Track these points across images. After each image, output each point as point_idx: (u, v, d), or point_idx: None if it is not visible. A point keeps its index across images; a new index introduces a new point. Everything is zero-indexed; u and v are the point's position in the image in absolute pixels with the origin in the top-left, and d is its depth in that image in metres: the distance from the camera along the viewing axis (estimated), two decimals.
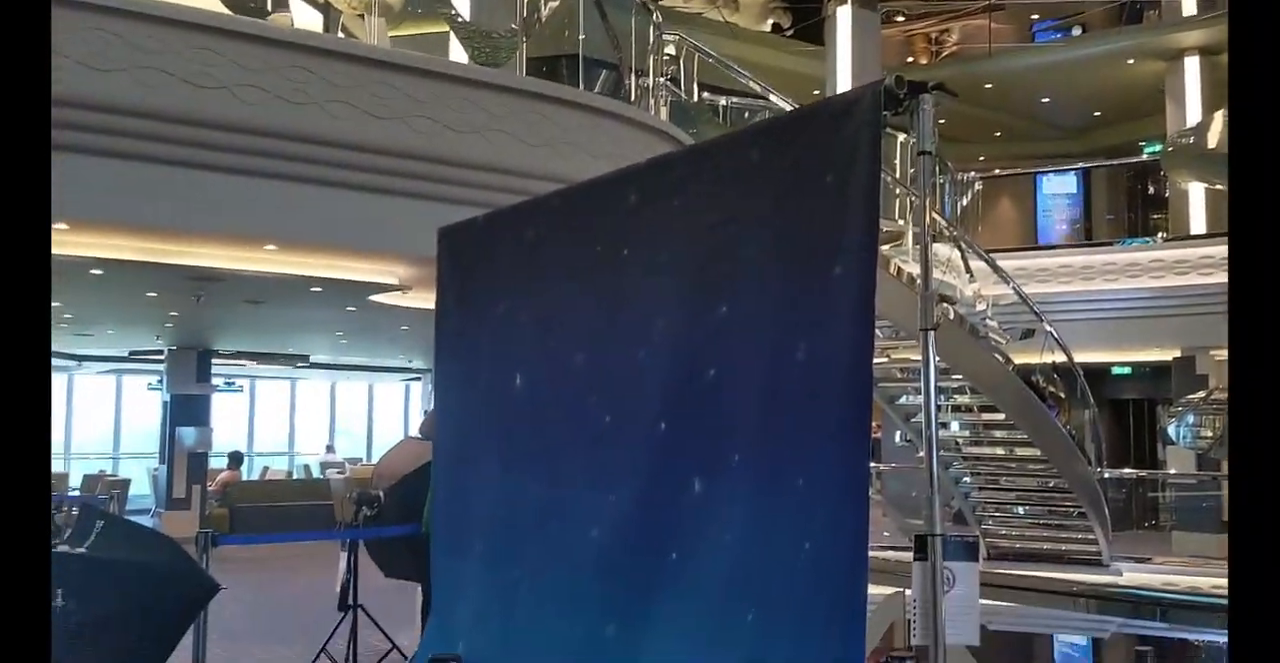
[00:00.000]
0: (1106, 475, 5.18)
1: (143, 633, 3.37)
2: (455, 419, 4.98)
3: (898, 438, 12.45)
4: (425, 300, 5.23)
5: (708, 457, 3.32)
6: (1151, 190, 18.65)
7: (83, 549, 3.54)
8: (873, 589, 3.81)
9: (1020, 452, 8.42)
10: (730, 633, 3.04)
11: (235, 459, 16.27)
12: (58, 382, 19.95)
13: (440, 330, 5.12)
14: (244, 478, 16.54)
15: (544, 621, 3.79)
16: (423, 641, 4.19)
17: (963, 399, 7.64)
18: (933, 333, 3.01)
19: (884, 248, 8.35)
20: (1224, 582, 3.33)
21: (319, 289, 8.71)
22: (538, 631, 3.81)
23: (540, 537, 4.05)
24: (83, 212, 6.38)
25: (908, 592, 3.51)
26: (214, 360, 16.55)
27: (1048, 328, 9.01)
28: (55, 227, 6.82)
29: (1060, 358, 8.71)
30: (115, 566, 3.43)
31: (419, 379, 21.89)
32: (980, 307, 10.02)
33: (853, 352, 2.87)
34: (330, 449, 21.79)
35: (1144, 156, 16.99)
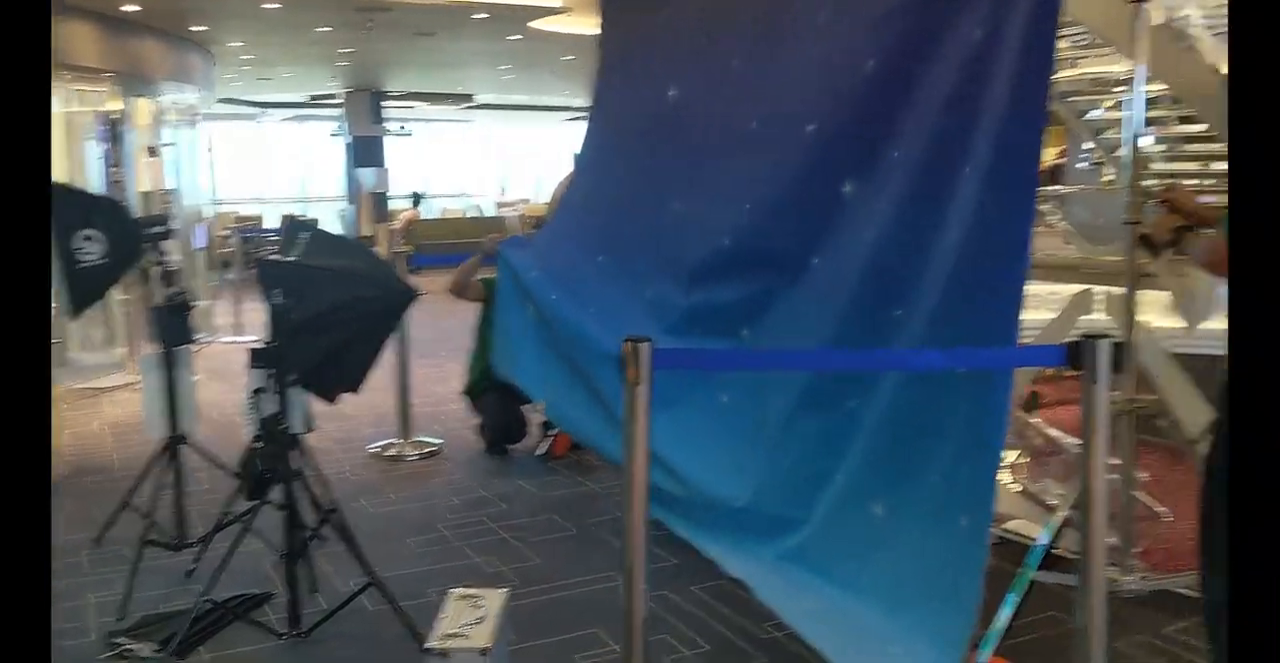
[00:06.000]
0: None
1: (353, 332, 3.64)
2: (601, 137, 4.93)
3: (1082, 161, 11.87)
4: (586, 26, 5.08)
5: (860, 157, 3.17)
6: None
7: (292, 257, 3.78)
8: (1056, 287, 3.75)
9: (1215, 167, 7.86)
10: (877, 332, 2.99)
11: (416, 199, 16.89)
12: (245, 129, 20.81)
13: (601, 48, 5.00)
14: (423, 218, 17.21)
15: (688, 331, 3.83)
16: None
17: (1157, 111, 7.11)
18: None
19: None
20: None
21: (483, 15, 8.62)
22: (681, 338, 3.84)
23: (678, 248, 4.03)
24: None
25: (1096, 288, 3.44)
26: (386, 103, 16.90)
27: None
28: None
29: None
30: (322, 270, 3.66)
31: (582, 119, 21.86)
32: (1186, 10, 9.12)
33: (1036, 25, 2.59)
34: (503, 190, 22.35)
35: None
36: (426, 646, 2.59)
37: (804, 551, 3.20)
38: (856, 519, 3.01)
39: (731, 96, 3.83)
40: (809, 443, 3.27)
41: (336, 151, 18.48)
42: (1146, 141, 6.98)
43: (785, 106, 3.50)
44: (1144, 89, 2.86)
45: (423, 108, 18.77)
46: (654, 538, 3.90)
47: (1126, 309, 2.75)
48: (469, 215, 20.84)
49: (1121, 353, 2.30)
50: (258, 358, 3.37)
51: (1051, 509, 3.38)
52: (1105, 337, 2.26)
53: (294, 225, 4.00)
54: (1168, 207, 2.61)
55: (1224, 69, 3.91)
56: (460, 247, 5.57)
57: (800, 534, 3.24)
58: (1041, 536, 2.76)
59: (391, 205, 17.20)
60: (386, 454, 5.37)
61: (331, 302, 3.59)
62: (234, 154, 20.45)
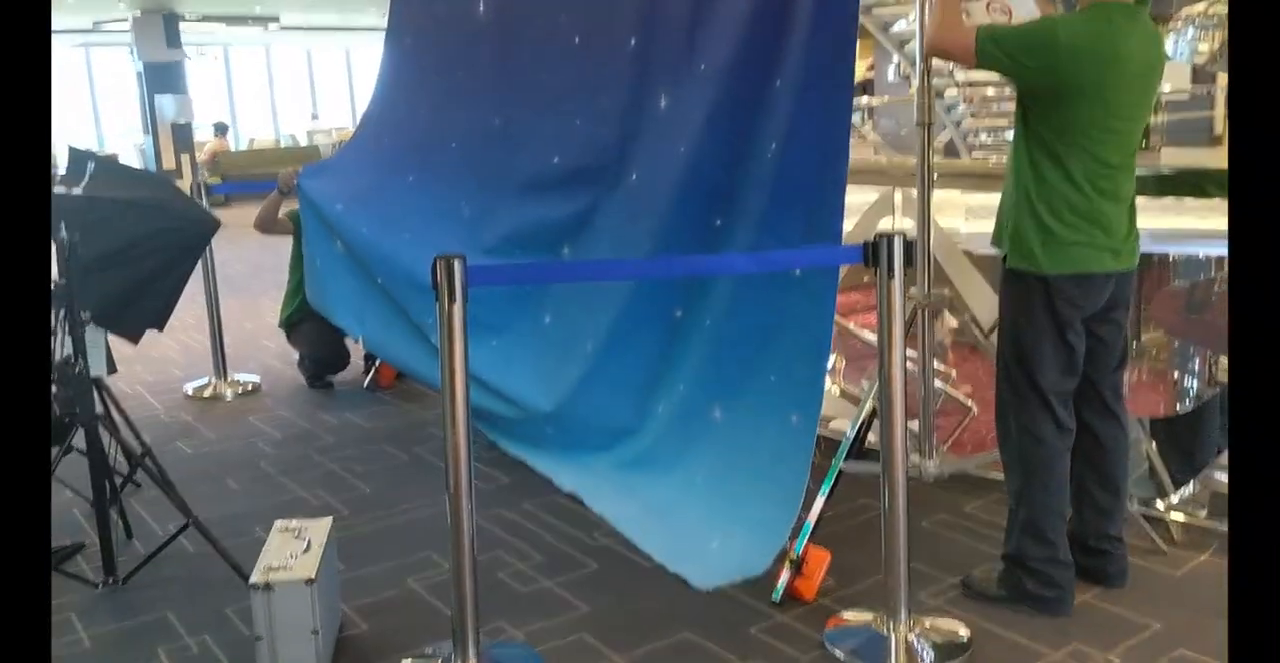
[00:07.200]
0: None
1: (151, 266, 3.45)
2: (404, 55, 4.77)
3: (890, 74, 12.23)
4: None
5: (673, 70, 3.17)
6: None
7: (78, 190, 3.54)
8: (869, 198, 3.88)
9: None
10: (698, 243, 3.05)
11: (221, 129, 16.04)
12: None
13: None
14: (231, 149, 16.40)
15: (508, 251, 3.82)
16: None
17: None
18: None
19: None
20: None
21: None
22: (501, 259, 3.81)
23: (499, 166, 3.99)
24: None
25: (899, 191, 3.58)
26: (183, 26, 15.86)
27: None
28: None
29: None
30: (113, 204, 3.44)
31: None
32: None
33: None
34: (315, 117, 21.45)
35: None
36: (251, 581, 2.54)
37: (643, 458, 3.27)
38: (697, 423, 3.10)
39: (550, 11, 3.76)
40: (639, 355, 3.33)
41: (132, 81, 17.29)
42: None
43: (606, 20, 3.47)
44: None
45: (223, 30, 17.71)
46: (486, 459, 3.92)
47: (920, 208, 2.87)
48: (281, 144, 19.98)
49: (913, 249, 2.40)
50: None
51: None
52: (898, 234, 2.35)
53: (79, 156, 3.74)
54: None
55: None
56: (272, 177, 5.31)
57: (640, 443, 3.31)
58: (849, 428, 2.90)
59: (198, 136, 16.28)
60: (203, 394, 5.18)
61: (125, 236, 3.40)
62: None
